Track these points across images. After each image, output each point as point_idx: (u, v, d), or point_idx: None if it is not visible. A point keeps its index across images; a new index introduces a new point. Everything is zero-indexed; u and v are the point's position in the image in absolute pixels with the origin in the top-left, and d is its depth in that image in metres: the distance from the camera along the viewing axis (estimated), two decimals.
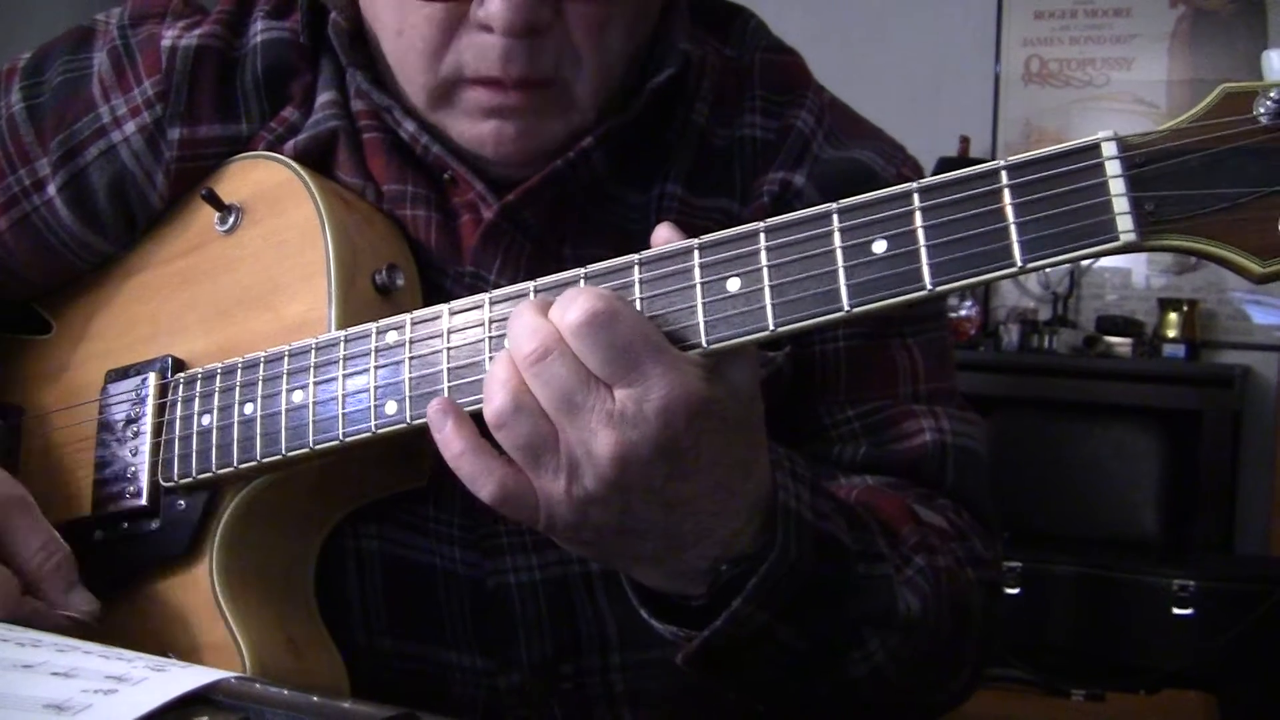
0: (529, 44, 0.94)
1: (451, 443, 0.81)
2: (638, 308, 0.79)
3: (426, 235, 1.04)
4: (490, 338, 0.84)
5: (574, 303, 0.76)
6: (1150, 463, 3.93)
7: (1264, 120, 0.67)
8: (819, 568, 0.86)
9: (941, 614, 0.96)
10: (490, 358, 0.83)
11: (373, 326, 0.90)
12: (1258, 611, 3.19)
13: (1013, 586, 3.38)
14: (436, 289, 1.03)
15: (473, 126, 0.99)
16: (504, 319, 0.83)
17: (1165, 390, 4.03)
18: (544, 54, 0.95)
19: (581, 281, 0.81)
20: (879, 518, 0.97)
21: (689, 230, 0.81)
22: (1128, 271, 4.51)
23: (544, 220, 1.04)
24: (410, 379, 0.87)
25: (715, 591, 0.84)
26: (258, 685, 0.71)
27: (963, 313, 4.33)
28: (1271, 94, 0.67)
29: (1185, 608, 3.28)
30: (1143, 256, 4.47)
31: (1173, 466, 3.94)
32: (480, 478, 0.81)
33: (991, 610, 1.04)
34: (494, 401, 0.78)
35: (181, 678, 0.69)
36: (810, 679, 0.93)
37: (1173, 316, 4.21)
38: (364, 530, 1.03)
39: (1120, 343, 4.19)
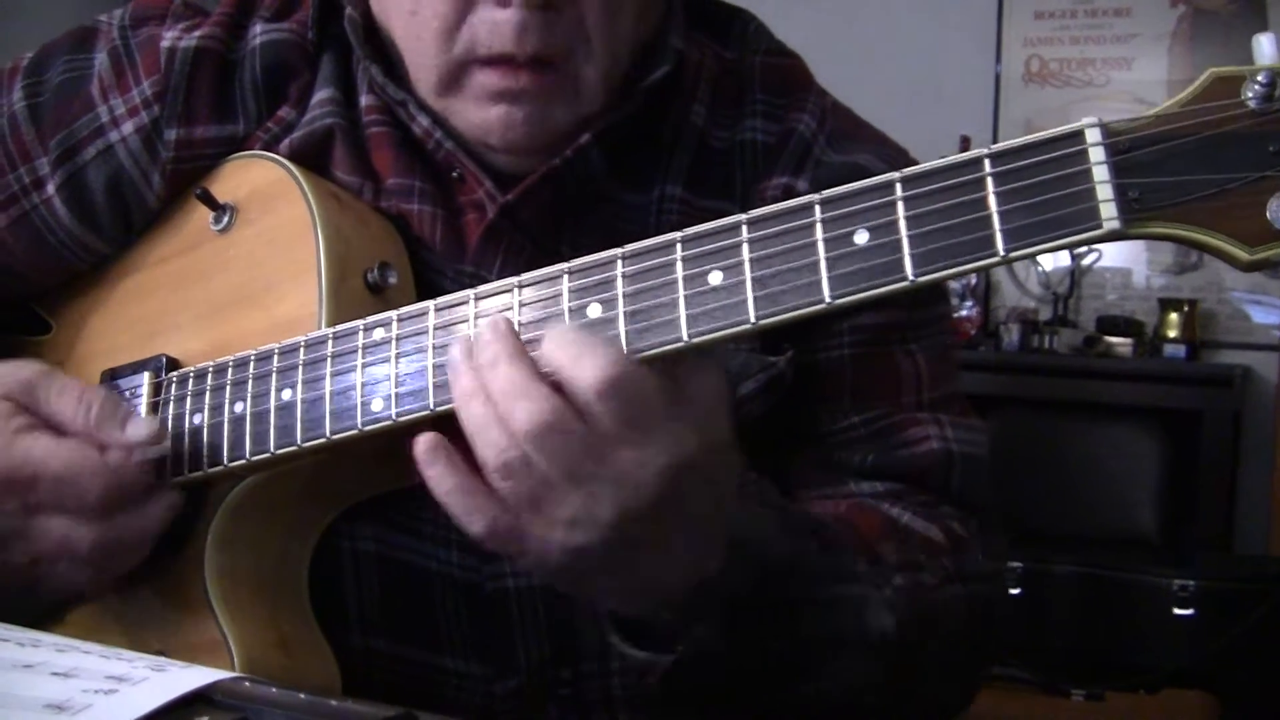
0: (544, 19, 0.94)
1: (441, 481, 0.81)
2: (620, 303, 0.79)
3: (431, 231, 1.04)
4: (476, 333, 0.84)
5: (584, 365, 0.76)
6: (1150, 462, 3.92)
7: (1252, 104, 0.67)
8: (780, 591, 0.88)
9: (923, 631, 0.97)
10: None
11: (360, 324, 0.90)
12: (1258, 611, 3.18)
13: (1013, 586, 3.37)
14: (437, 287, 1.03)
15: (481, 111, 0.98)
16: (489, 315, 0.83)
17: (1165, 390, 4.02)
18: (557, 32, 0.95)
19: (565, 278, 0.81)
20: (860, 536, 0.98)
21: None
22: (1128, 271, 4.50)
23: (543, 220, 1.03)
24: (396, 376, 0.87)
25: (683, 616, 0.86)
26: (258, 685, 0.71)
27: (963, 313, 4.33)
28: (1260, 77, 0.66)
29: (1185, 607, 3.27)
30: (1143, 256, 4.46)
31: (1173, 466, 3.93)
32: (470, 515, 0.80)
33: (987, 619, 1.05)
34: (501, 453, 0.77)
35: (181, 678, 0.69)
36: (779, 694, 0.94)
37: (1173, 316, 4.20)
38: (360, 532, 1.03)
39: (1120, 343, 4.18)
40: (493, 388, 0.77)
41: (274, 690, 0.70)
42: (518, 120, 0.98)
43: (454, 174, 1.04)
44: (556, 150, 1.01)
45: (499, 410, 0.77)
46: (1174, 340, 4.16)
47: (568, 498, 0.77)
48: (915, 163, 1.10)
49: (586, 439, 0.76)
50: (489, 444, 0.78)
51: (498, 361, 0.78)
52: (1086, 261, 4.47)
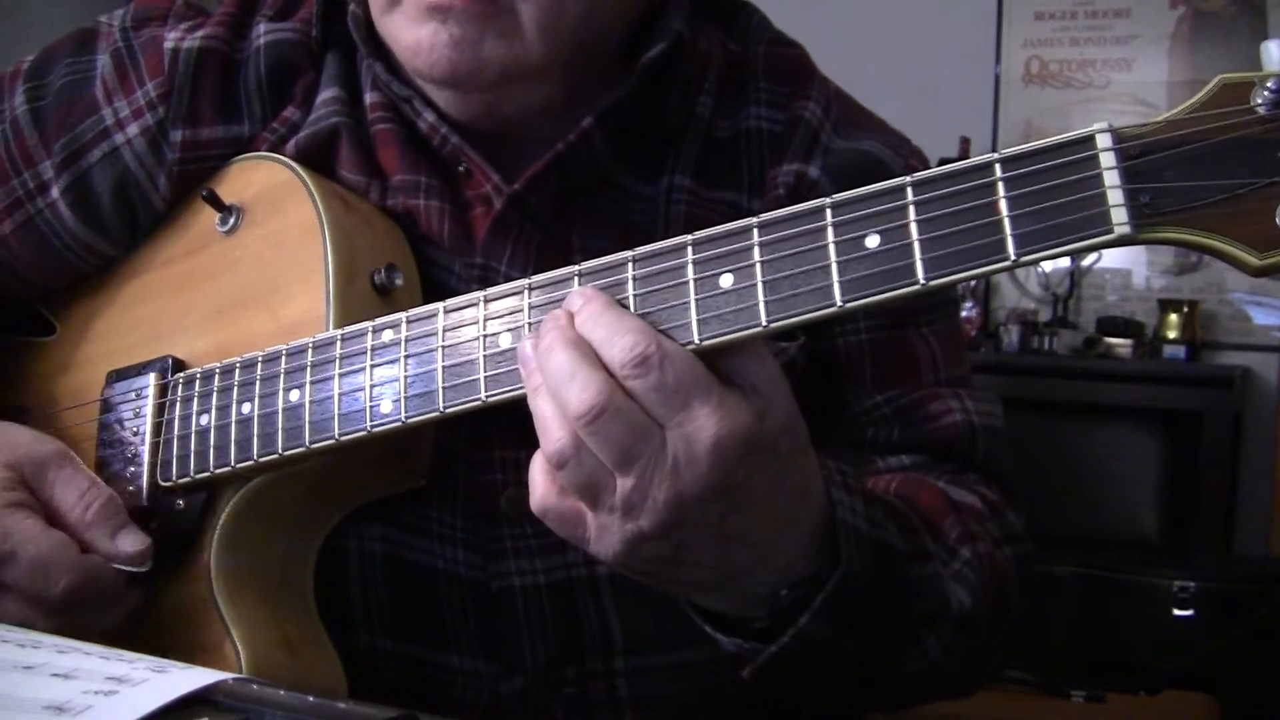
0: None
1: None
2: (631, 305, 0.78)
3: (439, 225, 1.04)
4: (485, 335, 0.84)
5: (616, 343, 0.75)
6: (1150, 464, 3.92)
7: (1261, 110, 0.66)
8: (878, 577, 0.87)
9: (988, 600, 0.98)
10: (487, 355, 0.83)
11: (369, 325, 0.90)
12: (1258, 612, 3.18)
13: None
14: (445, 283, 1.03)
15: (412, 29, 0.97)
16: (498, 316, 0.83)
17: (1165, 391, 4.02)
18: None
19: (576, 280, 0.81)
20: (921, 513, 0.98)
21: (699, 223, 0.81)
22: (1128, 272, 4.51)
23: (551, 210, 1.04)
24: (406, 378, 0.87)
25: (776, 614, 0.85)
26: (259, 686, 0.71)
27: (963, 314, 4.33)
28: (1269, 84, 0.66)
29: (1185, 608, 3.27)
30: (1143, 257, 4.47)
31: (1173, 467, 3.94)
32: (538, 504, 0.81)
33: (1026, 582, 1.06)
34: (554, 442, 0.77)
35: (182, 679, 0.69)
36: (869, 679, 0.94)
37: (1173, 317, 4.21)
38: (367, 531, 1.03)
39: (1120, 344, 4.18)
40: (549, 375, 0.77)
41: (275, 692, 0.70)
42: (444, 41, 0.96)
43: (460, 168, 1.04)
44: (494, 86, 1.00)
45: (557, 400, 0.76)
46: (1174, 341, 4.17)
47: (621, 482, 0.76)
48: (917, 151, 1.12)
49: (635, 418, 0.75)
50: (549, 439, 0.77)
51: (552, 348, 0.77)
52: (1086, 263, 4.47)
